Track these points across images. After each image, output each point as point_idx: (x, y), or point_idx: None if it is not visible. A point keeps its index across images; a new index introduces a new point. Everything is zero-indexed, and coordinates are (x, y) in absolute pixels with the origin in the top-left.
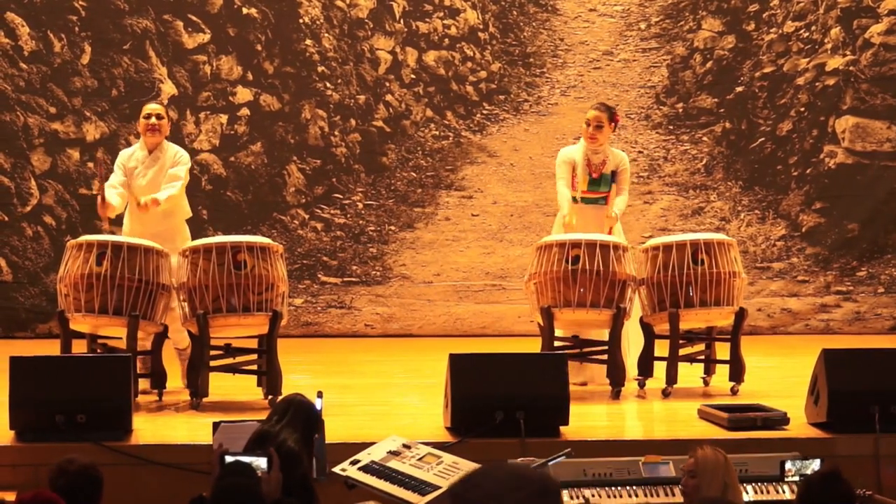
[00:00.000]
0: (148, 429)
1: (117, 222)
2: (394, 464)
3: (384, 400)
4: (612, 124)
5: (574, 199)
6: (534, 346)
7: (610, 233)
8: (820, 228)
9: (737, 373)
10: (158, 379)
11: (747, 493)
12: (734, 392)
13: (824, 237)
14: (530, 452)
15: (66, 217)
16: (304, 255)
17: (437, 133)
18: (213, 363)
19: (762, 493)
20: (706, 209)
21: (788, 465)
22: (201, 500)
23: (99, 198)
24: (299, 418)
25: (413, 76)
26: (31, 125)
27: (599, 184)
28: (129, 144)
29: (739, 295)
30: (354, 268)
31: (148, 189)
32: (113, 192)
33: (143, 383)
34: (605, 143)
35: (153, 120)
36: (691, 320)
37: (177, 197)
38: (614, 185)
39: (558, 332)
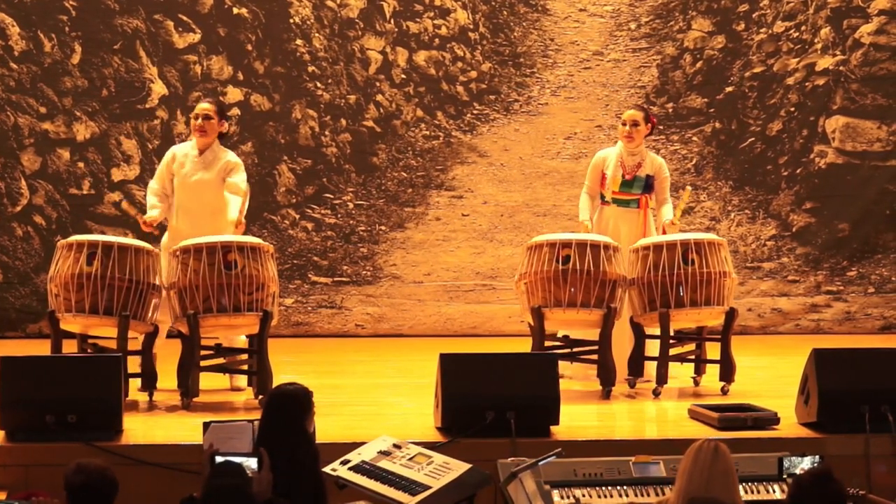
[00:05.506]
0: (138, 429)
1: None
2: (384, 464)
3: (374, 400)
4: (648, 125)
5: (603, 198)
6: (524, 346)
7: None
8: (810, 228)
9: (727, 373)
10: (149, 379)
11: None
12: (724, 392)
13: (815, 237)
14: (521, 452)
15: (57, 217)
16: (294, 254)
17: (427, 133)
18: (203, 363)
19: (753, 492)
20: (696, 209)
21: (786, 464)
22: (192, 500)
23: (141, 223)
24: (280, 417)
25: (403, 76)
26: (21, 125)
27: (632, 186)
28: (119, 145)
29: (730, 295)
30: (345, 268)
31: (194, 189)
32: (155, 211)
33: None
34: (641, 143)
35: (200, 121)
36: (682, 320)
37: (243, 204)
38: (653, 194)
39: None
